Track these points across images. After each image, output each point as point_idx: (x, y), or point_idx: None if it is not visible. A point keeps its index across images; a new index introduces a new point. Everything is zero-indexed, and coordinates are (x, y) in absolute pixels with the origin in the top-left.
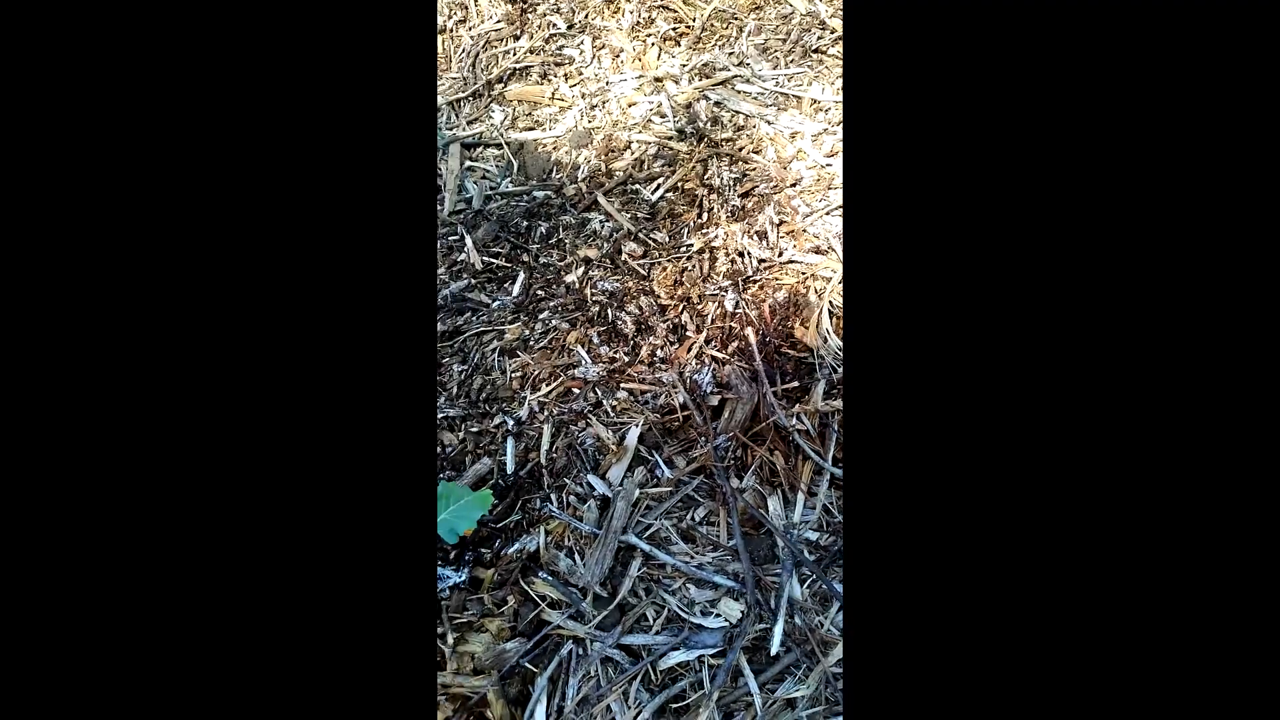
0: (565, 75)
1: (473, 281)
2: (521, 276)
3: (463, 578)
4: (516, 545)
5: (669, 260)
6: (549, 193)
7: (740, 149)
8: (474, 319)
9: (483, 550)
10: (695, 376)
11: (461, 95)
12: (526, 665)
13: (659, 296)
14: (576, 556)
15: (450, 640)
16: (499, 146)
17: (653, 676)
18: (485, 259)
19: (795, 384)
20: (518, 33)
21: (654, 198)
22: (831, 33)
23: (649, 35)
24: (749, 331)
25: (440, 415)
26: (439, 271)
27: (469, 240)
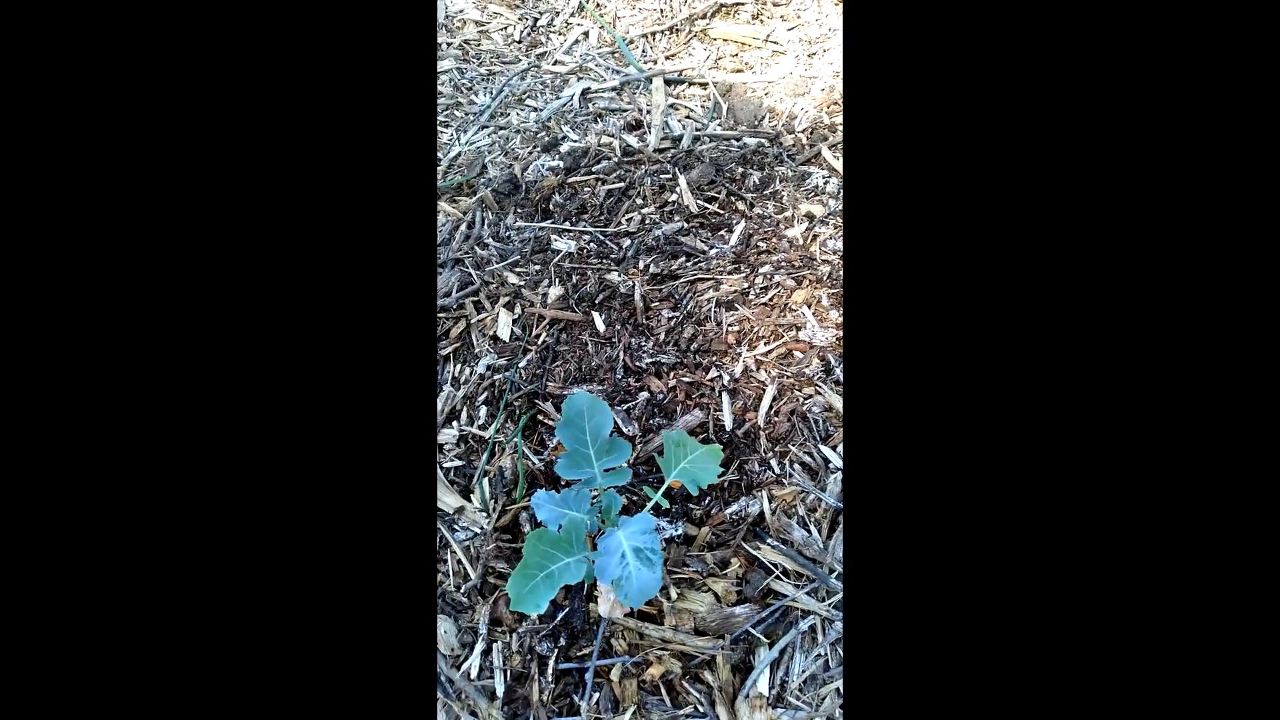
0: (782, 17)
1: (685, 225)
2: (741, 225)
3: (679, 531)
4: (735, 507)
5: None
6: (762, 140)
7: None
8: (688, 264)
9: (690, 506)
10: None
11: (658, 29)
12: (754, 633)
13: None
14: (813, 529)
15: (673, 595)
16: (703, 85)
17: None
18: (700, 203)
19: None
20: None
21: None
22: None
23: None
24: None
25: (649, 360)
26: (648, 209)
27: (683, 181)
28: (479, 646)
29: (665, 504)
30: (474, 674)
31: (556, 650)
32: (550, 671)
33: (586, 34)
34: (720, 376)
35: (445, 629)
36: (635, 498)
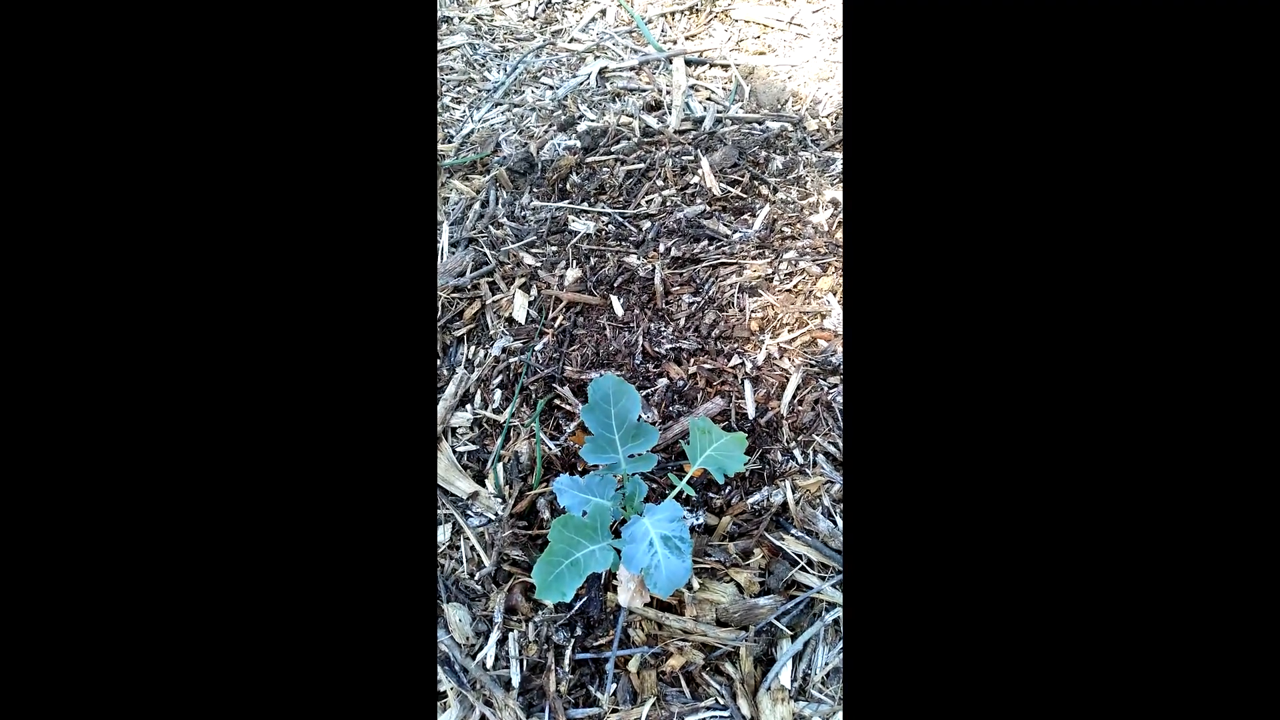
0: (806, 0)
1: (708, 209)
2: (765, 210)
3: (699, 520)
4: (758, 497)
5: None
6: (786, 124)
7: None
8: (710, 248)
9: (710, 495)
10: None
11: (677, 8)
12: (778, 625)
13: None
14: (838, 520)
15: (694, 585)
16: (725, 67)
17: None
18: (723, 186)
19: None
20: None
21: None
22: None
23: None
24: None
25: (668, 345)
26: (669, 191)
27: (705, 163)
28: (494, 635)
29: (691, 492)
30: (489, 663)
31: (573, 640)
32: (567, 661)
33: (604, 12)
34: (742, 364)
35: (459, 617)
36: (655, 485)
